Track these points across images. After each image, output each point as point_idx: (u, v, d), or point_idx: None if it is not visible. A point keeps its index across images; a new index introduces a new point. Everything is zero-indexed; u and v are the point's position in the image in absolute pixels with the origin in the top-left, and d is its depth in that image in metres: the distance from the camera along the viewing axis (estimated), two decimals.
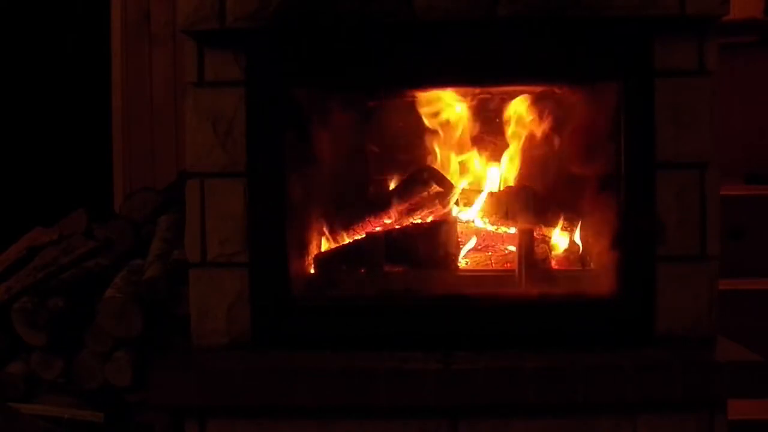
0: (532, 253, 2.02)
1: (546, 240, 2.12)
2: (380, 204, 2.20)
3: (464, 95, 2.18)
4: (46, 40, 3.23)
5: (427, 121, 2.21)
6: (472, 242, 2.14)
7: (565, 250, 2.13)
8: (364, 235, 2.14)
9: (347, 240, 2.16)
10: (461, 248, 2.11)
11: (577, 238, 2.12)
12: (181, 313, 2.03)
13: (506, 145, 2.22)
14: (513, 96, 2.17)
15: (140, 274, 2.25)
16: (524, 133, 2.19)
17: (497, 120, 2.22)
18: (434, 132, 2.22)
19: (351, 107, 2.18)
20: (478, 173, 2.25)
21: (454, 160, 2.24)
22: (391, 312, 1.92)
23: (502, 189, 2.20)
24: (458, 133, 2.23)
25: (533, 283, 1.98)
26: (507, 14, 1.81)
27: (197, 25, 1.85)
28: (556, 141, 2.16)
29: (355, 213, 2.19)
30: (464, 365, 1.77)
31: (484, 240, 2.17)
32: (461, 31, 1.87)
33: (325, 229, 2.15)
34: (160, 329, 2.14)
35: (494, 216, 2.16)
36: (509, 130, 2.20)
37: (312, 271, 2.07)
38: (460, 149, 2.24)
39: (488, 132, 2.24)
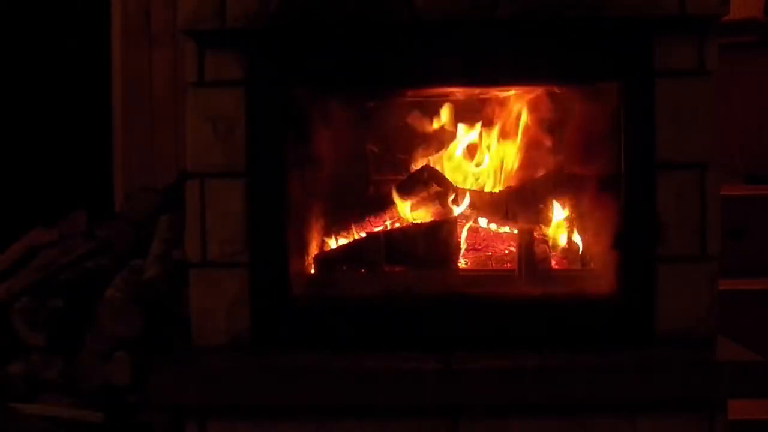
0: (532, 253, 2.02)
1: (546, 240, 2.12)
2: (380, 204, 2.20)
3: (464, 95, 2.18)
4: (46, 40, 3.23)
5: (426, 121, 2.21)
6: (466, 227, 2.14)
7: (565, 250, 2.13)
8: (364, 235, 2.14)
9: (347, 240, 2.16)
10: (461, 248, 2.11)
11: (577, 238, 2.12)
12: (182, 313, 2.03)
13: (506, 145, 2.22)
14: (513, 96, 2.17)
15: (140, 274, 2.25)
16: (524, 133, 2.20)
17: (497, 120, 2.22)
18: (434, 132, 2.23)
19: (351, 107, 2.18)
20: (478, 173, 2.25)
21: (454, 159, 2.24)
22: (391, 312, 1.92)
23: (502, 189, 2.21)
24: (458, 133, 2.23)
25: (533, 283, 1.98)
26: (507, 14, 1.81)
27: (197, 25, 1.85)
28: (557, 141, 2.16)
29: (355, 213, 2.19)
30: (464, 365, 1.77)
31: (484, 240, 2.17)
32: (461, 31, 1.87)
33: (325, 229, 2.15)
34: (160, 329, 2.14)
35: (494, 216, 2.16)
36: (509, 130, 2.21)
37: (312, 271, 2.07)
38: (460, 149, 2.25)
39: (488, 132, 2.24)
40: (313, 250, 2.10)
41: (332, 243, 2.16)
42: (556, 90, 2.11)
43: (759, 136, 3.20)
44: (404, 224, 2.16)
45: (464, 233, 2.13)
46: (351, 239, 2.16)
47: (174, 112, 3.05)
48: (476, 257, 2.14)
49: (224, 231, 1.92)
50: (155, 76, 3.10)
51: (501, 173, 2.24)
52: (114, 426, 2.09)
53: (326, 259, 2.10)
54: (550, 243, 2.12)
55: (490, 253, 2.15)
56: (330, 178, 2.15)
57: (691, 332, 1.88)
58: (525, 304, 1.92)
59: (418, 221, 2.15)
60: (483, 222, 2.18)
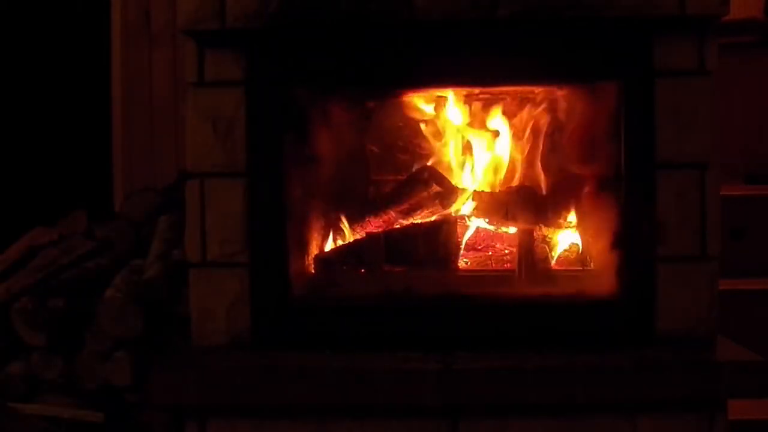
0: (532, 253, 2.02)
1: (546, 240, 2.12)
2: (380, 204, 2.20)
3: (464, 95, 2.18)
4: (45, 40, 3.23)
5: (426, 121, 2.21)
6: (470, 232, 2.14)
7: (565, 250, 2.13)
8: (364, 235, 2.14)
9: (347, 240, 2.16)
10: (461, 247, 2.11)
11: (577, 238, 2.12)
12: (181, 313, 2.03)
13: (506, 145, 2.22)
14: (513, 96, 2.17)
15: (140, 274, 2.25)
16: (524, 133, 2.20)
17: (497, 120, 2.22)
18: (434, 132, 2.23)
19: (351, 107, 2.18)
20: (478, 173, 2.25)
21: (454, 160, 2.24)
22: (391, 312, 1.92)
23: (502, 189, 2.21)
24: (458, 133, 2.23)
25: (533, 283, 1.98)
26: (507, 14, 1.81)
27: (197, 25, 1.85)
28: (557, 141, 2.16)
29: (355, 213, 2.19)
30: (464, 365, 1.77)
31: (484, 240, 2.17)
32: (461, 31, 1.87)
33: (324, 229, 2.15)
34: (160, 329, 2.14)
35: (494, 216, 2.16)
36: (509, 130, 2.21)
37: (312, 271, 2.07)
38: (460, 149, 2.24)
39: (487, 132, 2.24)
40: (313, 250, 2.10)
41: (332, 243, 2.16)
42: (557, 90, 2.11)
43: (759, 136, 3.20)
44: (404, 224, 2.16)
45: (469, 233, 2.13)
46: (351, 239, 2.15)
47: (174, 112, 3.05)
48: (476, 257, 2.14)
49: (224, 231, 1.92)
50: (155, 76, 3.10)
51: (501, 173, 2.24)
52: (114, 426, 2.09)
53: (326, 259, 2.10)
54: (550, 243, 2.12)
55: (490, 253, 2.15)
56: (330, 178, 2.15)
57: (691, 332, 1.88)
58: (525, 304, 1.92)
59: (418, 221, 2.16)
60: (483, 222, 2.17)
